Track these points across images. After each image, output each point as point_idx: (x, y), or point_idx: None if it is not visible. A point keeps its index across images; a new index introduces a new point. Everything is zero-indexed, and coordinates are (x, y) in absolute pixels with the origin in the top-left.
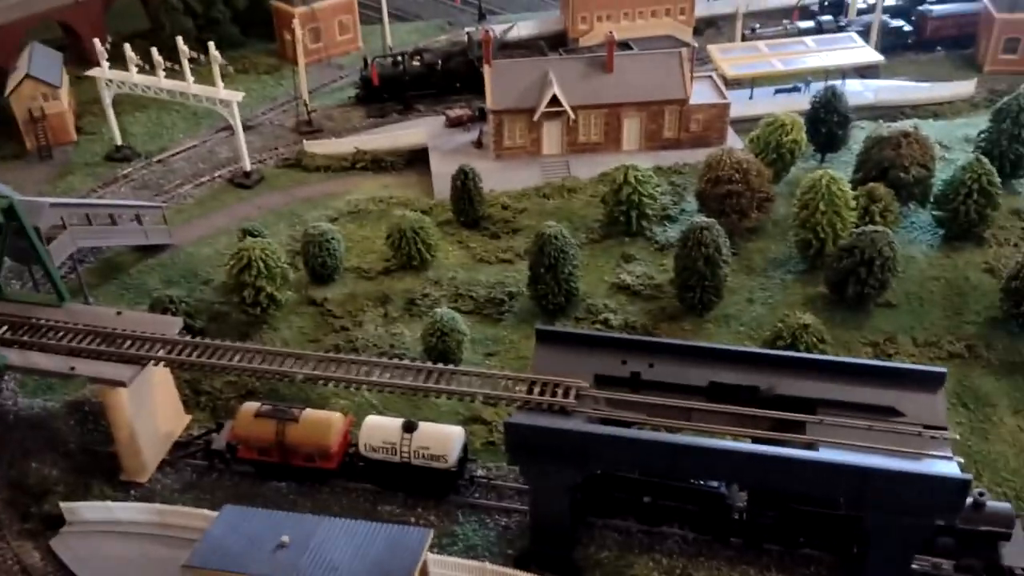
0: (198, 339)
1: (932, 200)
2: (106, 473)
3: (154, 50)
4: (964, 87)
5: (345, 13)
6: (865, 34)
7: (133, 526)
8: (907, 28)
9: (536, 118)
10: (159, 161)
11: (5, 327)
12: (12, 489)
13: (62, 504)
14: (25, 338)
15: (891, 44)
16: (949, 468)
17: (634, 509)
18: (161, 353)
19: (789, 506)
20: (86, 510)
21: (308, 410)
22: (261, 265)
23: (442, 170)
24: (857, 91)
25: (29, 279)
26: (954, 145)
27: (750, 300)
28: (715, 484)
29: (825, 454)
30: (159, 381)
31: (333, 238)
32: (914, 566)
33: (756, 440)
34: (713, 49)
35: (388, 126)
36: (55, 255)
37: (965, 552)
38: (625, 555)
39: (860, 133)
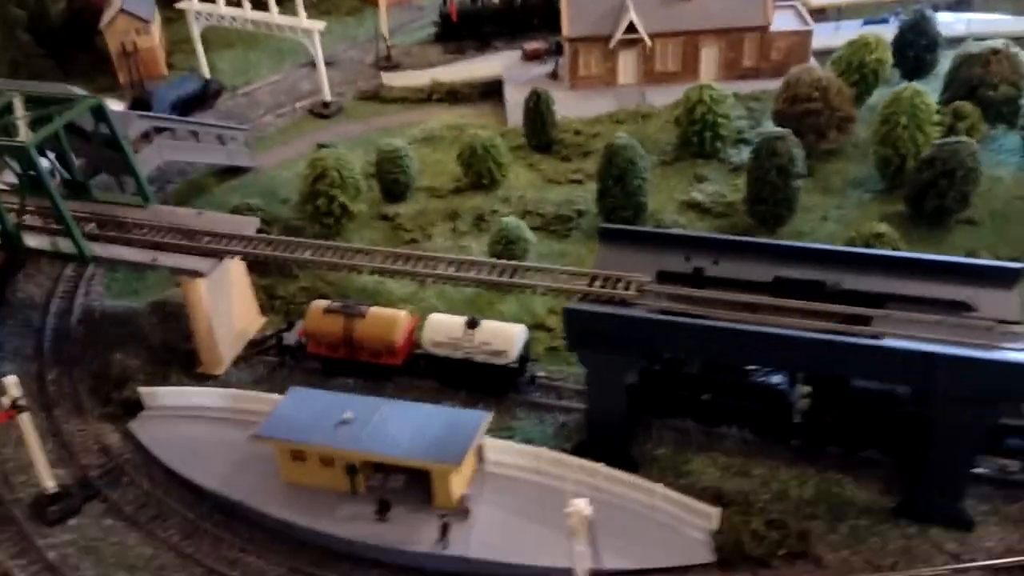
0: (272, 235)
1: (1022, 121)
2: (184, 366)
3: None
4: None
5: None
6: None
7: (207, 410)
8: None
9: (612, 46)
10: (244, 94)
11: (92, 223)
12: (95, 378)
13: (140, 389)
14: (111, 233)
15: None
16: (1019, 355)
17: (693, 409)
18: (238, 248)
19: (851, 404)
20: (163, 395)
21: (375, 307)
22: (335, 175)
23: (516, 99)
24: (948, 23)
25: (119, 190)
26: None
27: (824, 218)
28: (776, 381)
29: (890, 341)
30: (236, 279)
31: (406, 155)
32: (982, 469)
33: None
34: None
35: (465, 61)
36: (142, 164)
37: None
38: (683, 452)
39: (948, 63)
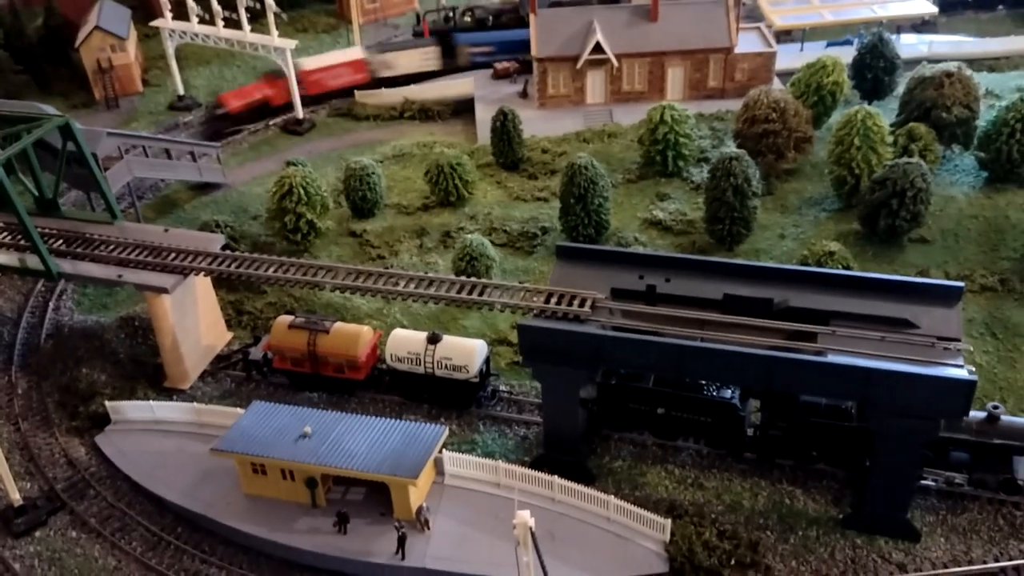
0: (237, 252)
1: (976, 142)
2: (151, 381)
3: (214, 1)
4: (1019, 42)
5: None
6: None
7: (172, 424)
8: None
9: (579, 66)
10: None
11: (60, 240)
12: (63, 392)
13: (107, 403)
14: (79, 250)
15: (950, 1)
16: (955, 372)
17: (649, 422)
18: (203, 265)
19: (800, 419)
20: (129, 409)
21: (339, 323)
22: (301, 192)
23: (486, 117)
24: (911, 44)
25: (90, 207)
26: (1006, 94)
27: (782, 236)
28: (727, 395)
29: (831, 357)
30: (202, 295)
31: (373, 172)
32: (929, 481)
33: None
34: (763, 1)
35: (438, 79)
36: (112, 182)
37: (979, 466)
38: (639, 465)
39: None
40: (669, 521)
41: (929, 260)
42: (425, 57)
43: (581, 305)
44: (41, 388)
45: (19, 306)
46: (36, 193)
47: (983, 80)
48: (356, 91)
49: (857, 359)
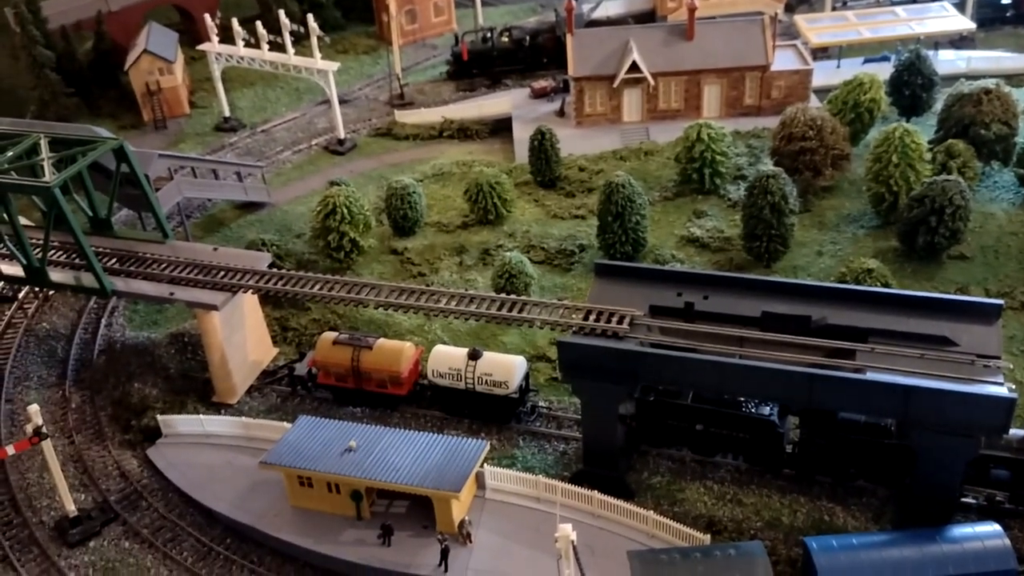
0: (283, 270)
1: (1015, 159)
2: (200, 395)
3: (259, 24)
4: None
5: None
6: (961, 6)
7: (221, 438)
8: (1005, 1)
9: (616, 85)
10: (263, 131)
11: (114, 259)
12: (116, 406)
13: (159, 417)
14: (131, 268)
15: (988, 17)
16: (995, 389)
17: (688, 438)
18: (251, 282)
19: (839, 435)
20: (179, 422)
21: (382, 339)
22: (345, 211)
23: (524, 136)
24: (949, 60)
25: (140, 227)
26: None
27: (819, 253)
28: (766, 412)
29: (870, 375)
30: (249, 312)
31: (414, 192)
32: (970, 499)
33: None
34: (799, 19)
35: (476, 98)
36: (163, 201)
37: (1020, 484)
38: (677, 481)
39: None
40: (708, 537)
41: (968, 277)
42: None
43: (620, 322)
44: (94, 402)
45: (72, 323)
46: (90, 213)
47: (1022, 96)
48: (396, 110)
49: (897, 376)
